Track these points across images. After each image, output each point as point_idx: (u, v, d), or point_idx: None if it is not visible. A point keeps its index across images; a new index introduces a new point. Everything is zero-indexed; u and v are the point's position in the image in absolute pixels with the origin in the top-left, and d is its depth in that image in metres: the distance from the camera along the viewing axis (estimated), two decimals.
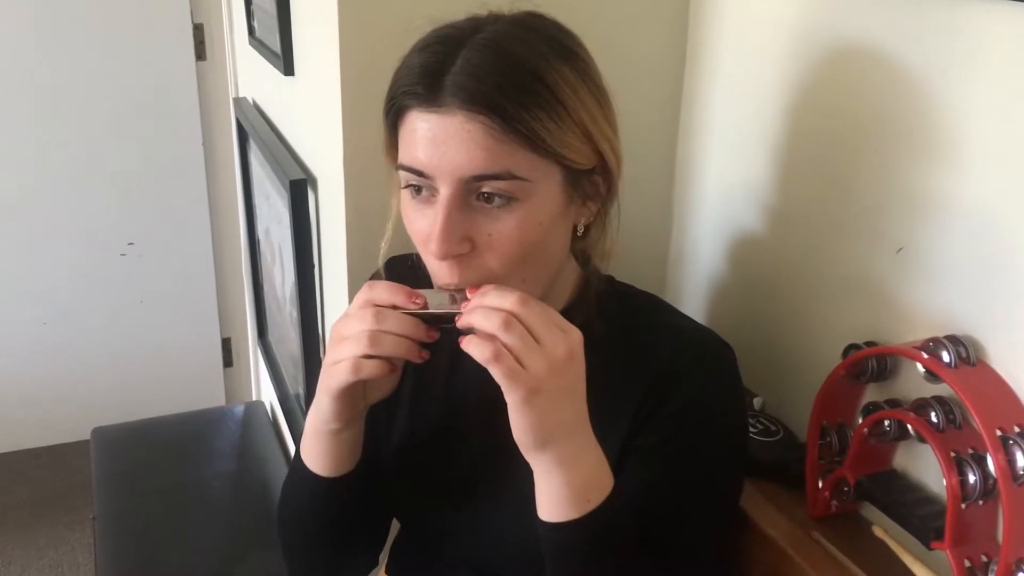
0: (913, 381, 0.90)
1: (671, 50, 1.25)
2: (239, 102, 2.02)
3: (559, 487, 0.78)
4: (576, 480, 0.78)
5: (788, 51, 1.07)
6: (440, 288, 0.83)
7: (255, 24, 1.75)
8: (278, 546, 1.06)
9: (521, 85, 0.77)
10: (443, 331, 0.79)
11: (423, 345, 0.80)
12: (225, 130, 2.78)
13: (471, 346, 0.73)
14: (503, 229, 0.80)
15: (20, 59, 2.83)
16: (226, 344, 3.36)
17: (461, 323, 0.76)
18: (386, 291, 0.80)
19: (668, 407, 0.88)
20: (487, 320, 0.74)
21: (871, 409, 0.94)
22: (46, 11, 2.80)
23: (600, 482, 0.80)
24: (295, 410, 1.76)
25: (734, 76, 1.18)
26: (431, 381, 1.01)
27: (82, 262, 3.09)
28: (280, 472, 1.93)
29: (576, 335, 0.76)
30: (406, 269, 0.97)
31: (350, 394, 0.84)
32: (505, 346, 0.73)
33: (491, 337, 0.73)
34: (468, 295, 0.79)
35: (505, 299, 0.75)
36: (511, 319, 0.73)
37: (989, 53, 0.82)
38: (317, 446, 0.92)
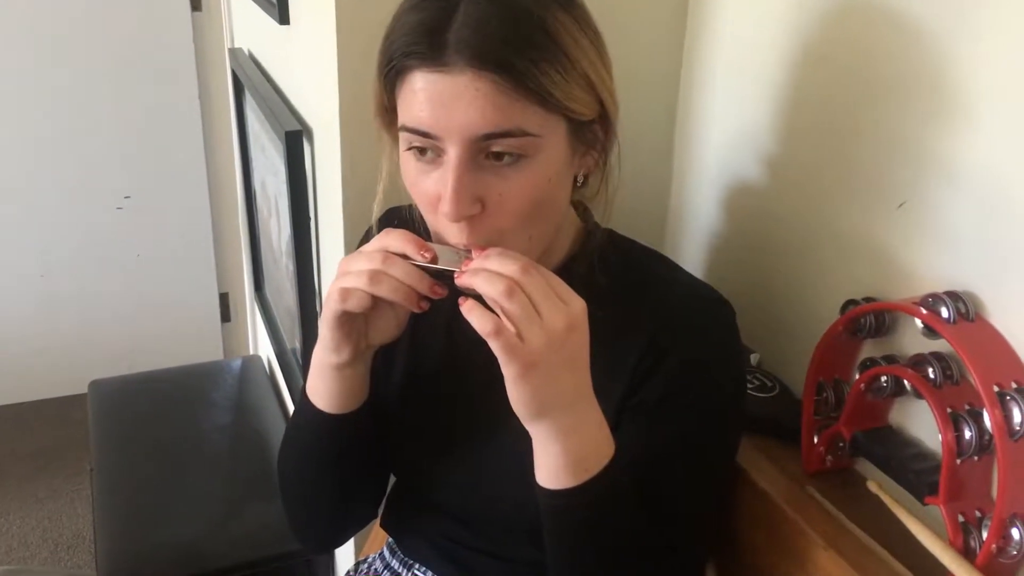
0: (911, 337, 0.90)
1: (672, 2, 1.23)
2: (235, 53, 2.00)
3: (556, 456, 0.78)
4: (574, 449, 0.78)
5: (793, 1, 1.05)
6: (450, 246, 0.82)
7: None
8: (275, 497, 1.06)
9: (528, 38, 0.75)
10: (449, 288, 0.78)
11: (425, 298, 0.79)
12: (221, 82, 2.75)
13: (472, 315, 0.72)
14: (514, 187, 0.78)
15: (14, 13, 2.79)
16: (224, 299, 3.36)
17: (461, 282, 0.75)
18: (400, 239, 0.80)
19: (667, 363, 0.87)
20: (490, 285, 0.73)
21: (868, 365, 0.93)
22: None
23: (599, 450, 0.80)
24: (292, 364, 1.76)
25: (737, 28, 1.16)
26: (431, 332, 1.00)
27: (78, 216, 3.07)
28: (277, 425, 1.94)
29: (578, 305, 0.75)
30: (403, 222, 0.95)
31: (346, 326, 0.84)
32: (506, 314, 0.72)
33: (493, 306, 0.73)
34: (473, 255, 0.77)
35: (508, 265, 0.74)
36: (514, 287, 0.72)
37: (997, 6, 0.80)
38: (322, 382, 0.91)
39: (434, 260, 0.78)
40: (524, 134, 0.76)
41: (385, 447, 1.01)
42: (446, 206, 0.77)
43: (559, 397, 0.76)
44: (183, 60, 2.99)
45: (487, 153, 0.77)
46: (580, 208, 0.95)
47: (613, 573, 0.84)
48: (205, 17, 2.95)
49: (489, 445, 0.95)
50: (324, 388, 0.91)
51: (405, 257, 0.79)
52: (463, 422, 0.98)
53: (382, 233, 0.81)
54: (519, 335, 0.71)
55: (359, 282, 0.79)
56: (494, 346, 0.72)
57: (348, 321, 0.84)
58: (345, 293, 0.79)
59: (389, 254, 0.79)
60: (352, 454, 0.97)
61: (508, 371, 0.73)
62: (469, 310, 0.72)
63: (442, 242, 0.82)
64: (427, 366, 1.01)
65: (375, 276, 0.78)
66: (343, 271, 0.81)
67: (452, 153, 0.77)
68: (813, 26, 1.02)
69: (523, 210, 0.79)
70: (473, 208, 0.78)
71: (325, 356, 0.88)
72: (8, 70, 2.85)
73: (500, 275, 0.73)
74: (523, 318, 0.72)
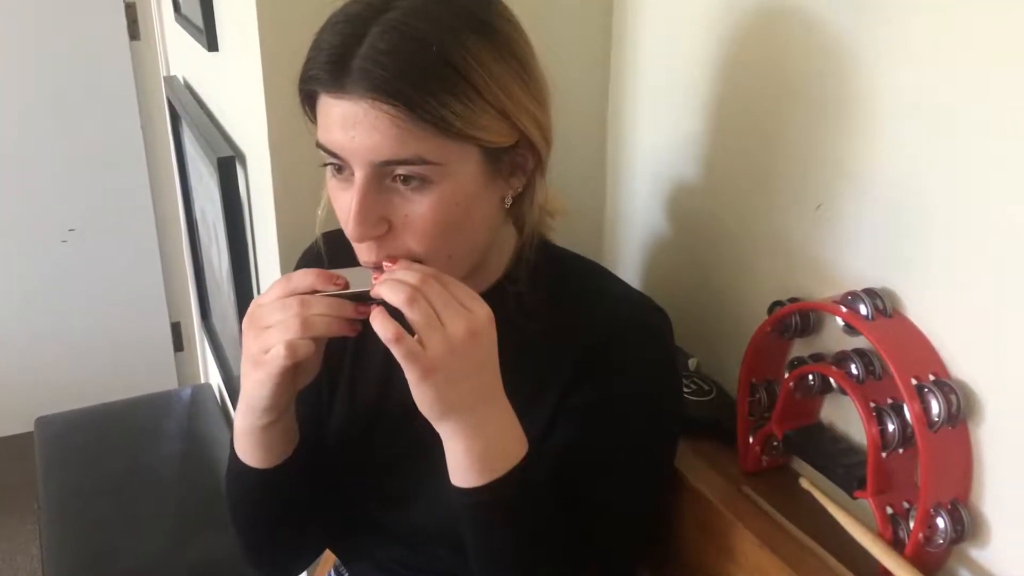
0: (835, 335, 0.91)
1: (597, 14, 1.25)
2: (170, 81, 1.99)
3: (461, 455, 0.79)
4: (477, 449, 0.79)
5: (711, 11, 1.07)
6: (359, 267, 0.83)
7: (180, 0, 1.71)
8: (228, 526, 1.05)
9: (427, 69, 0.76)
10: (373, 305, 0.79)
11: (356, 321, 0.80)
12: (162, 110, 2.72)
13: (376, 321, 0.74)
14: (419, 211, 0.80)
15: None
16: (175, 328, 3.32)
17: (372, 293, 0.77)
18: (305, 278, 0.80)
19: (599, 371, 0.88)
20: (393, 293, 0.74)
21: (795, 364, 0.95)
22: None
23: (506, 451, 0.80)
24: (238, 391, 1.74)
25: (660, 37, 1.18)
26: (370, 360, 1.01)
27: (21, 250, 3.03)
28: (228, 453, 1.92)
29: (481, 313, 0.76)
30: (344, 241, 0.96)
31: (286, 381, 0.82)
32: (409, 321, 0.73)
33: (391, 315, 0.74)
34: (385, 268, 0.79)
35: (411, 275, 0.76)
36: (416, 295, 0.74)
37: (905, 11, 0.82)
38: (251, 442, 0.90)
39: (346, 286, 0.79)
40: (424, 162, 0.77)
41: (331, 476, 1.01)
42: (350, 227, 0.79)
43: (461, 400, 0.77)
44: (123, 89, 2.97)
45: (394, 176, 0.79)
46: (519, 225, 0.96)
47: (530, 571, 0.85)
48: (144, 46, 2.93)
49: (433, 466, 0.95)
50: (254, 448, 0.90)
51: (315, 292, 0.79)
52: (406, 445, 0.98)
53: (284, 279, 0.81)
54: (420, 341, 0.73)
55: (291, 332, 0.78)
56: (395, 352, 0.73)
57: (290, 375, 0.82)
58: (291, 346, 0.77)
59: (302, 296, 0.79)
60: (293, 498, 0.97)
61: (409, 375, 0.75)
62: (374, 317, 0.74)
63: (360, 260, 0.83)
64: (368, 393, 1.01)
65: (305, 321, 0.78)
66: (259, 327, 0.80)
67: (358, 175, 0.79)
68: (734, 35, 1.04)
69: (430, 232, 0.81)
70: (378, 228, 0.80)
71: (254, 420, 0.87)
72: None
73: (403, 283, 0.75)
74: (424, 325, 0.74)
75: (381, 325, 0.73)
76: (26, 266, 3.05)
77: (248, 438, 0.90)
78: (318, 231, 0.99)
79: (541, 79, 0.85)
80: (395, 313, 0.75)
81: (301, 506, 0.99)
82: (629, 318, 0.92)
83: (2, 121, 2.87)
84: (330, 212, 0.94)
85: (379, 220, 0.80)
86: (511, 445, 0.81)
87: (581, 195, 1.33)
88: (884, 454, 0.83)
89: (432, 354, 0.74)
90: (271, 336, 0.79)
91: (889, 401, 0.83)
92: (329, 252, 0.99)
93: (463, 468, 0.80)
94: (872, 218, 0.89)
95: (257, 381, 0.82)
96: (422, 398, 0.76)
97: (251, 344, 0.81)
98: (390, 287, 0.75)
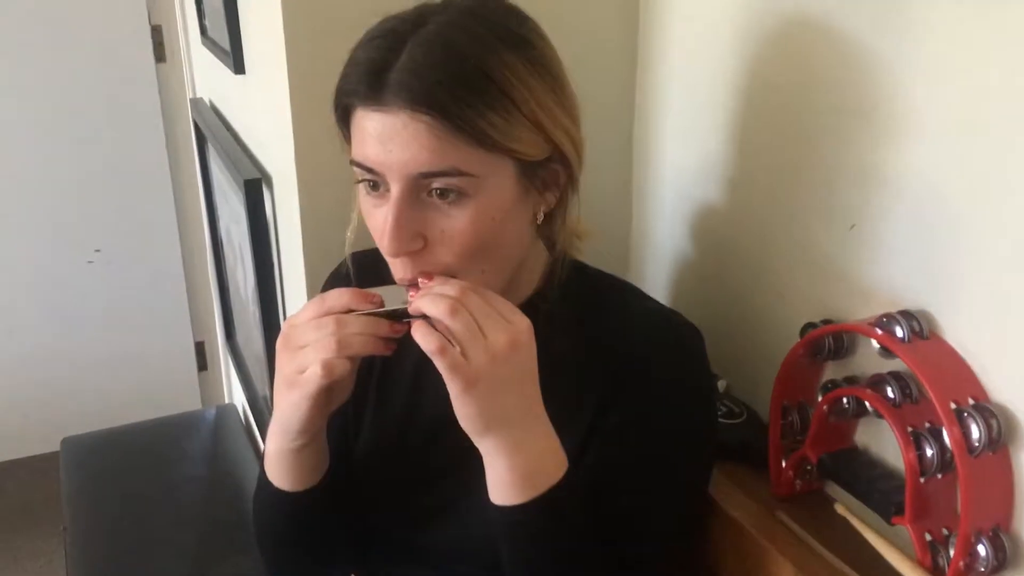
0: (870, 357, 0.90)
1: (624, 34, 1.24)
2: (196, 103, 2.00)
3: (503, 471, 0.79)
4: (520, 466, 0.78)
5: (742, 29, 1.06)
6: (393, 285, 0.83)
7: (207, 23, 1.73)
8: (252, 549, 1.05)
9: (465, 81, 0.76)
10: (410, 324, 0.79)
11: (390, 339, 0.80)
12: (187, 132, 2.75)
13: (418, 333, 0.74)
14: (455, 225, 0.79)
15: None
16: (199, 348, 3.33)
17: (411, 309, 0.77)
18: (339, 297, 0.80)
19: (634, 389, 0.88)
20: (434, 306, 0.74)
21: (829, 387, 0.94)
22: (3, 19, 2.76)
23: (547, 468, 0.80)
24: (263, 411, 1.75)
25: (687, 54, 1.17)
26: (397, 382, 1.00)
27: (48, 271, 3.05)
28: (253, 474, 1.91)
29: (522, 324, 0.76)
30: (372, 260, 0.96)
31: (322, 402, 0.82)
32: (450, 332, 0.73)
33: (439, 325, 0.74)
34: (421, 284, 0.79)
35: (451, 287, 0.76)
36: (457, 306, 0.74)
37: (933, 24, 0.81)
38: (283, 465, 0.90)
39: (380, 305, 0.79)
40: (460, 173, 0.77)
41: (358, 499, 1.00)
42: (385, 241, 0.79)
43: (504, 413, 0.76)
44: (149, 111, 2.99)
45: (430, 190, 0.78)
46: (549, 243, 0.96)
47: None
48: (170, 68, 2.95)
49: (460, 488, 0.95)
50: (286, 469, 0.90)
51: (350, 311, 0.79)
52: (433, 467, 0.97)
53: (318, 299, 0.81)
54: (463, 353, 0.73)
55: (327, 351, 0.77)
56: (438, 364, 0.73)
57: (326, 396, 0.82)
58: (328, 366, 0.77)
59: (338, 315, 0.79)
60: (323, 523, 0.96)
61: (452, 388, 0.74)
62: (415, 330, 0.74)
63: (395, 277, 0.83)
64: (395, 415, 1.01)
65: (342, 340, 0.77)
66: (294, 347, 0.80)
67: (394, 189, 0.78)
68: (760, 54, 1.04)
69: (466, 246, 0.80)
70: (414, 244, 0.80)
71: (287, 443, 0.86)
72: None
73: (443, 296, 0.75)
74: (466, 336, 0.73)
75: (424, 337, 0.73)
76: (53, 286, 3.07)
77: (280, 460, 0.90)
78: (348, 251, 0.98)
79: (572, 95, 0.85)
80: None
81: (329, 530, 0.98)
82: (662, 335, 0.92)
83: (30, 142, 2.90)
84: (359, 234, 0.94)
85: (415, 235, 0.79)
86: (552, 462, 0.80)
87: (607, 215, 1.32)
88: (922, 479, 0.81)
89: (475, 365, 0.73)
90: (306, 356, 0.79)
91: (927, 425, 0.82)
92: (357, 273, 0.99)
93: (505, 485, 0.79)
94: (907, 238, 0.87)
95: (292, 403, 0.81)
96: (465, 411, 0.76)
97: (285, 365, 0.81)
98: (430, 300, 0.75)
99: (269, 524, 0.99)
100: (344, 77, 0.81)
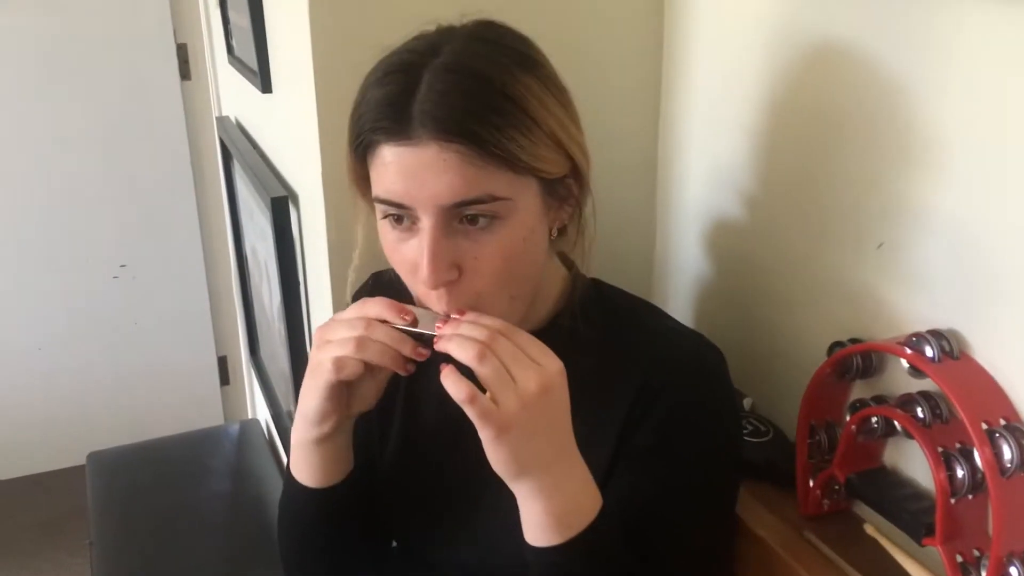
0: (899, 377, 0.89)
1: (648, 52, 1.25)
2: (222, 121, 2.02)
3: (539, 514, 0.78)
4: (555, 508, 0.78)
5: (767, 50, 1.06)
6: (429, 309, 0.84)
7: (233, 42, 1.74)
8: (276, 564, 1.05)
9: (490, 105, 0.77)
10: (432, 351, 0.79)
11: (413, 361, 0.80)
12: (212, 149, 2.78)
13: (448, 381, 0.73)
14: (489, 250, 0.80)
15: (6, 83, 2.83)
16: (222, 363, 3.35)
17: (437, 347, 0.77)
18: (378, 306, 0.81)
19: (658, 411, 0.87)
20: (462, 350, 0.74)
21: (858, 406, 0.93)
22: (31, 37, 2.81)
23: (582, 508, 0.79)
24: (287, 427, 1.75)
25: (711, 77, 1.17)
26: (423, 394, 1.00)
27: (74, 287, 3.09)
28: (277, 490, 1.92)
29: (553, 367, 0.75)
30: (392, 284, 0.96)
31: (335, 396, 0.84)
32: (480, 378, 0.73)
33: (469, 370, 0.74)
34: (452, 320, 0.79)
35: (479, 330, 0.75)
36: (485, 351, 0.73)
37: (964, 51, 0.81)
38: (305, 458, 0.92)
39: (414, 323, 0.79)
40: (494, 199, 0.78)
41: (382, 513, 1.01)
42: (424, 274, 0.79)
43: (537, 457, 0.76)
44: (174, 128, 3.03)
45: (461, 218, 0.79)
46: (565, 260, 0.96)
47: None
48: (195, 86, 2.99)
49: (484, 505, 0.95)
50: (307, 464, 0.92)
51: (385, 323, 0.80)
52: (458, 484, 0.98)
53: (360, 302, 0.83)
54: (493, 399, 0.73)
55: (346, 350, 0.80)
56: (469, 412, 0.73)
57: (338, 391, 0.84)
58: (339, 362, 0.80)
59: (371, 320, 0.80)
60: (344, 525, 0.97)
61: (483, 435, 0.74)
62: (446, 377, 0.73)
63: (423, 306, 0.83)
64: (422, 430, 1.01)
65: (361, 342, 0.79)
66: (322, 340, 0.82)
67: (426, 222, 0.78)
68: (787, 73, 1.04)
69: (500, 271, 0.81)
70: (450, 274, 0.80)
71: (307, 431, 0.88)
72: (0, 144, 2.87)
73: (472, 340, 0.74)
74: (496, 382, 0.73)
75: (454, 385, 0.72)
76: (79, 301, 3.11)
77: (301, 451, 0.91)
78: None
79: (575, 107, 0.86)
80: (463, 370, 0.74)
81: (349, 535, 0.99)
82: (685, 356, 0.92)
83: (57, 160, 2.94)
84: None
85: (451, 265, 0.79)
86: (586, 500, 0.80)
87: (631, 234, 1.33)
88: (953, 500, 0.80)
89: (506, 411, 0.73)
90: (328, 350, 0.81)
91: (958, 446, 0.81)
92: (375, 293, 1.00)
93: (540, 528, 0.79)
94: (936, 257, 0.87)
95: (308, 389, 0.85)
96: (497, 457, 0.75)
97: (313, 354, 0.83)
98: (458, 344, 0.74)
99: (291, 522, 0.99)
100: (361, 116, 0.81)
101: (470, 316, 0.78)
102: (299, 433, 0.90)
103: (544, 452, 0.76)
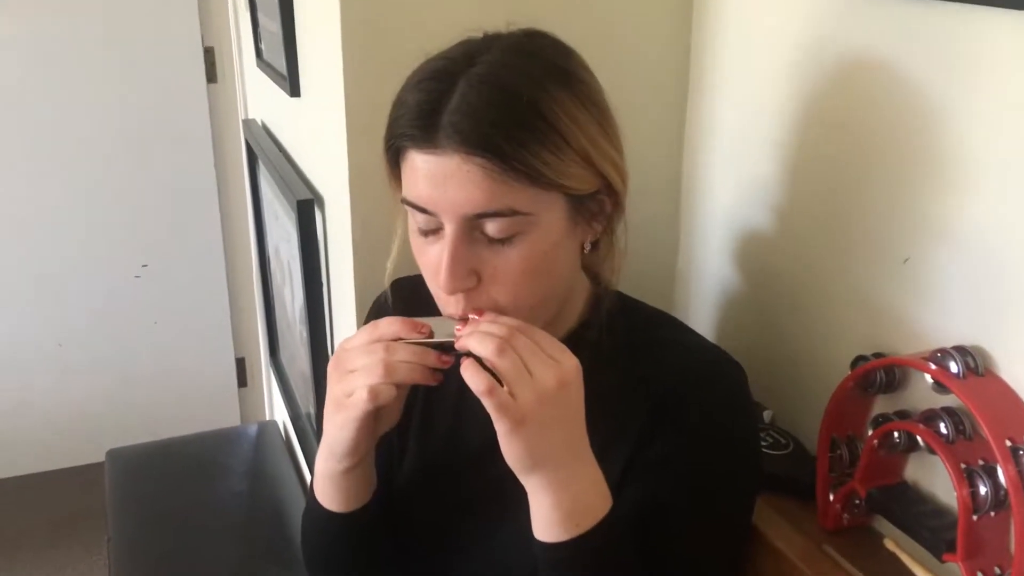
0: (922, 392, 0.89)
1: (675, 64, 1.25)
2: (248, 124, 2.04)
3: (548, 509, 0.79)
4: (565, 504, 0.78)
5: (792, 65, 1.07)
6: (447, 316, 0.84)
7: (263, 46, 1.76)
8: (291, 565, 1.06)
9: (518, 121, 0.77)
10: (456, 356, 0.80)
11: (436, 370, 0.81)
12: (236, 151, 2.80)
13: (467, 373, 0.74)
14: (509, 262, 0.81)
15: (35, 83, 2.87)
16: (240, 364, 3.37)
17: (458, 346, 0.78)
18: (391, 326, 0.81)
19: (675, 423, 0.88)
20: (481, 345, 0.75)
21: (880, 421, 0.93)
22: (62, 37, 2.84)
23: (592, 506, 0.80)
24: (306, 429, 1.76)
25: (738, 91, 1.18)
26: (439, 408, 1.01)
27: (96, 284, 3.11)
28: (294, 492, 1.94)
29: (570, 364, 0.76)
30: (411, 291, 0.97)
31: (367, 425, 0.83)
32: (498, 371, 0.74)
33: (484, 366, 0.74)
34: (471, 320, 0.80)
35: (498, 326, 0.76)
36: (505, 345, 0.74)
37: (993, 67, 0.81)
38: (331, 487, 0.92)
39: (430, 335, 0.80)
40: (514, 213, 0.78)
41: (399, 526, 1.01)
42: (442, 279, 0.80)
43: (551, 451, 0.77)
44: (199, 131, 3.05)
45: (482, 229, 0.79)
46: (591, 273, 0.97)
47: None
48: (220, 89, 3.01)
49: (498, 517, 0.95)
50: (336, 491, 0.92)
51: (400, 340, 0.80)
52: (475, 494, 0.98)
53: (370, 325, 0.82)
54: (511, 392, 0.73)
55: (375, 377, 0.79)
56: (487, 404, 0.73)
57: (370, 420, 0.83)
58: (374, 391, 0.79)
59: (388, 342, 0.80)
60: (371, 544, 0.97)
61: (499, 427, 0.75)
62: (464, 369, 0.74)
63: (446, 314, 0.84)
64: (437, 443, 1.02)
65: (389, 366, 0.79)
66: (342, 371, 0.82)
67: (448, 229, 0.79)
68: (813, 89, 1.04)
69: (519, 283, 0.81)
70: (468, 281, 0.81)
71: (337, 464, 0.88)
72: (28, 141, 2.91)
73: (491, 335, 0.75)
74: (514, 375, 0.74)
75: (473, 377, 0.73)
76: (101, 299, 3.14)
77: (328, 482, 0.91)
78: (387, 283, 1.00)
79: (616, 125, 0.86)
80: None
81: (375, 552, 0.99)
82: (704, 370, 0.92)
83: (83, 159, 2.97)
84: (398, 264, 0.95)
85: (469, 272, 0.80)
86: (597, 499, 0.80)
87: (654, 246, 1.33)
88: (975, 517, 0.80)
89: (523, 405, 0.74)
90: (355, 380, 0.80)
91: (981, 462, 0.81)
92: (397, 303, 1.01)
93: (550, 523, 0.79)
94: (961, 272, 0.87)
95: (339, 424, 0.83)
96: (512, 450, 0.76)
97: (335, 387, 0.83)
98: (478, 339, 0.75)
99: (317, 545, 1.00)
100: (395, 120, 0.82)
101: (489, 316, 0.79)
102: (327, 465, 0.89)
103: (558, 447, 0.77)
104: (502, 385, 0.74)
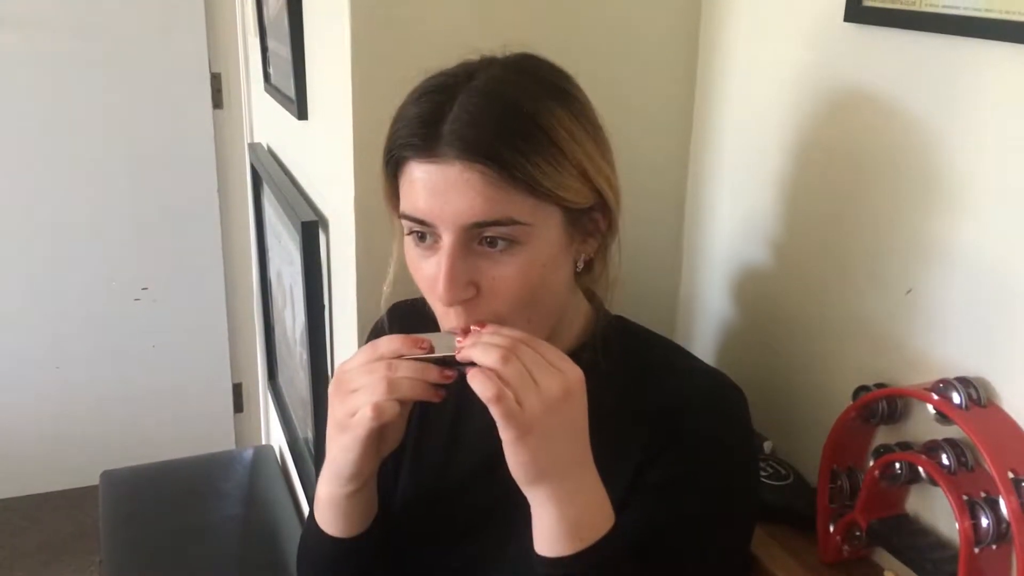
0: (924, 423, 0.89)
1: (680, 92, 1.27)
2: (254, 147, 2.05)
3: (552, 522, 0.78)
4: (570, 517, 0.78)
5: (796, 95, 1.08)
6: (447, 331, 0.84)
7: (271, 71, 1.78)
8: None
9: (518, 131, 0.79)
10: (458, 371, 0.79)
11: (438, 386, 0.80)
12: (239, 177, 2.81)
13: (475, 380, 0.74)
14: (506, 272, 0.81)
15: (40, 107, 2.88)
16: (236, 390, 3.36)
17: (460, 356, 0.77)
18: (391, 344, 0.81)
19: (677, 445, 0.87)
20: (486, 354, 0.75)
21: (882, 452, 0.93)
22: (68, 60, 2.86)
23: (595, 520, 0.79)
24: (304, 453, 1.75)
25: (742, 119, 1.19)
26: (432, 432, 1.01)
27: (96, 307, 3.10)
28: (289, 516, 1.92)
29: (575, 374, 0.76)
30: (410, 313, 0.98)
31: (372, 445, 0.83)
32: (503, 379, 0.73)
33: (493, 374, 0.74)
34: (472, 331, 0.80)
35: (502, 336, 0.76)
36: (509, 354, 0.74)
37: (993, 99, 0.82)
38: (334, 511, 0.91)
39: (431, 350, 0.80)
40: (513, 222, 0.79)
41: (397, 549, 1.00)
42: (440, 290, 0.80)
43: (556, 462, 0.76)
44: (204, 156, 3.06)
45: (481, 239, 0.80)
46: (590, 295, 0.97)
47: None
48: (226, 114, 3.03)
49: (495, 533, 0.95)
50: (339, 516, 0.91)
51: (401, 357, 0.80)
52: (471, 515, 0.97)
53: (369, 345, 0.82)
54: (517, 401, 0.73)
55: (378, 394, 0.78)
56: (494, 411, 0.73)
57: (375, 439, 0.83)
58: (378, 408, 0.78)
59: (389, 360, 0.80)
60: (369, 568, 0.96)
61: (506, 435, 0.74)
62: (472, 376, 0.74)
63: (445, 327, 0.84)
64: (432, 464, 1.01)
65: (391, 382, 0.78)
66: (346, 391, 0.81)
67: (446, 239, 0.80)
68: (818, 119, 1.05)
69: (517, 294, 0.82)
70: (467, 292, 0.81)
71: (341, 488, 0.87)
72: (30, 163, 2.92)
73: (495, 345, 0.75)
74: (520, 384, 0.74)
75: (481, 384, 0.73)
76: (101, 322, 3.13)
77: (330, 506, 0.90)
78: (383, 305, 1.00)
79: (608, 144, 0.87)
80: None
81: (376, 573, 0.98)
82: (704, 394, 0.92)
83: (86, 182, 2.97)
84: (394, 287, 0.95)
85: (468, 284, 0.81)
86: (600, 514, 0.80)
87: (656, 274, 1.33)
88: (977, 549, 0.80)
89: (529, 413, 0.73)
90: (358, 399, 0.80)
91: (983, 494, 0.81)
92: (394, 327, 1.01)
93: (554, 536, 0.78)
94: (964, 303, 0.87)
95: (343, 446, 0.82)
96: (517, 459, 0.76)
97: (337, 409, 0.82)
98: (481, 349, 0.75)
99: (314, 570, 0.99)
100: (395, 133, 0.83)
101: (491, 327, 0.79)
102: (330, 489, 0.89)
103: (563, 457, 0.77)
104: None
